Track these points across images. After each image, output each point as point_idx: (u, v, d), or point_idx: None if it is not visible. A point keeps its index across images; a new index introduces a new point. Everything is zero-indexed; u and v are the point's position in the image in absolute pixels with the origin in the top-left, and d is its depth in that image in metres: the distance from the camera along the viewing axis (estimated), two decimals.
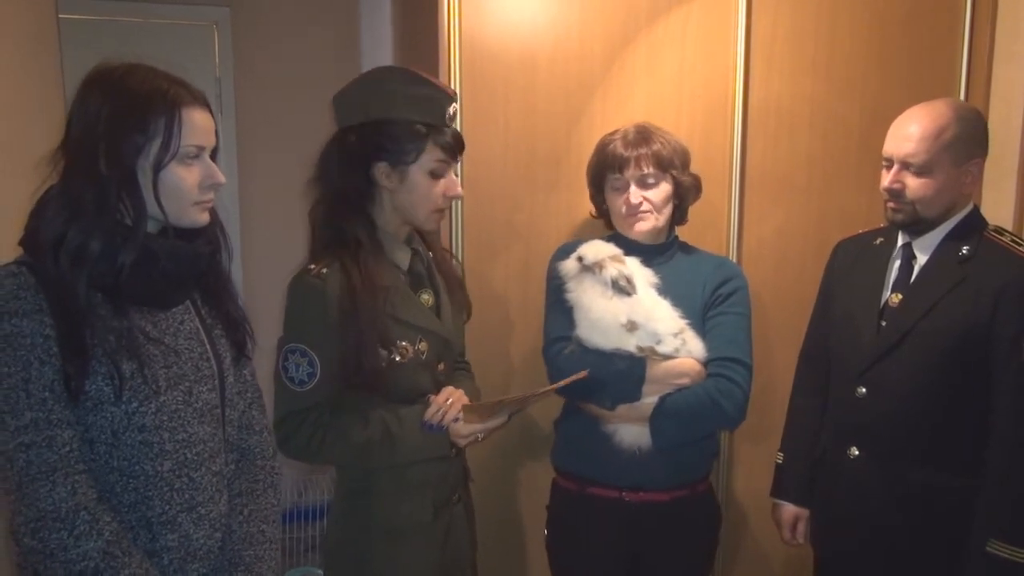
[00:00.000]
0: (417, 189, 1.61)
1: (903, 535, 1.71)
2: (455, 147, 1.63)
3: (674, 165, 1.80)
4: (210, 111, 1.28)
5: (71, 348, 1.15)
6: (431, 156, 1.60)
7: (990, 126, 1.75)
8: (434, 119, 1.60)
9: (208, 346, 1.34)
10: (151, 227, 1.25)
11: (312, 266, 1.57)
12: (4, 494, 1.17)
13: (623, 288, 1.70)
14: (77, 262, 1.17)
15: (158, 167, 1.21)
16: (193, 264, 1.29)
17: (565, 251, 1.87)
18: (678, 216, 1.88)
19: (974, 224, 1.72)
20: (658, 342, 1.71)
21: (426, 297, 1.68)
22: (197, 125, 1.24)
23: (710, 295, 1.81)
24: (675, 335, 1.73)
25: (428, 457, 1.62)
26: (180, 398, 1.26)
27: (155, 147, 1.20)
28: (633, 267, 1.75)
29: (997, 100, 2.29)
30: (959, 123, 1.65)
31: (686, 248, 1.92)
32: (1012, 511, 1.58)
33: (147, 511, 1.23)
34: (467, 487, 1.81)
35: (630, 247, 1.82)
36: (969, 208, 1.73)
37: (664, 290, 1.77)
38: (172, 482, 1.25)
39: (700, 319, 1.79)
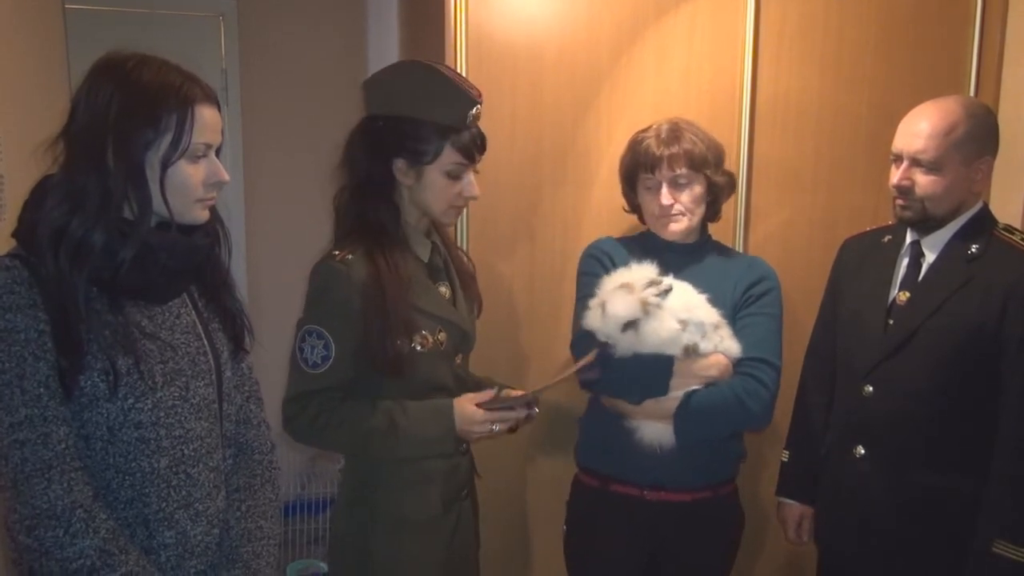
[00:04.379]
0: (433, 188, 1.61)
1: (908, 535, 1.70)
2: (473, 149, 1.62)
3: (708, 164, 1.77)
4: (219, 108, 1.26)
5: (66, 343, 1.13)
6: (448, 158, 1.59)
7: (1000, 124, 1.73)
8: (454, 121, 1.58)
9: (205, 340, 1.32)
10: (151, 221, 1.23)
11: (336, 252, 1.57)
12: None
13: (665, 292, 1.66)
14: (78, 256, 1.14)
15: (167, 163, 1.18)
16: (190, 257, 1.27)
17: (598, 248, 1.86)
18: (711, 214, 1.85)
19: (983, 222, 1.71)
20: (703, 335, 1.69)
21: (444, 289, 1.69)
22: (208, 123, 1.21)
23: (741, 295, 1.79)
24: (715, 328, 1.71)
25: (431, 454, 1.62)
26: (177, 394, 1.24)
27: (165, 143, 1.18)
28: (638, 272, 1.72)
29: (1007, 98, 2.27)
30: (970, 120, 1.64)
31: (719, 247, 1.90)
32: (1019, 512, 1.57)
33: (144, 508, 1.22)
34: (474, 484, 1.81)
35: (661, 247, 1.81)
36: (979, 206, 1.72)
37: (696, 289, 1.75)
38: (169, 479, 1.23)
39: (731, 318, 1.77)
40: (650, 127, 1.82)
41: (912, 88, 2.20)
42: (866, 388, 1.73)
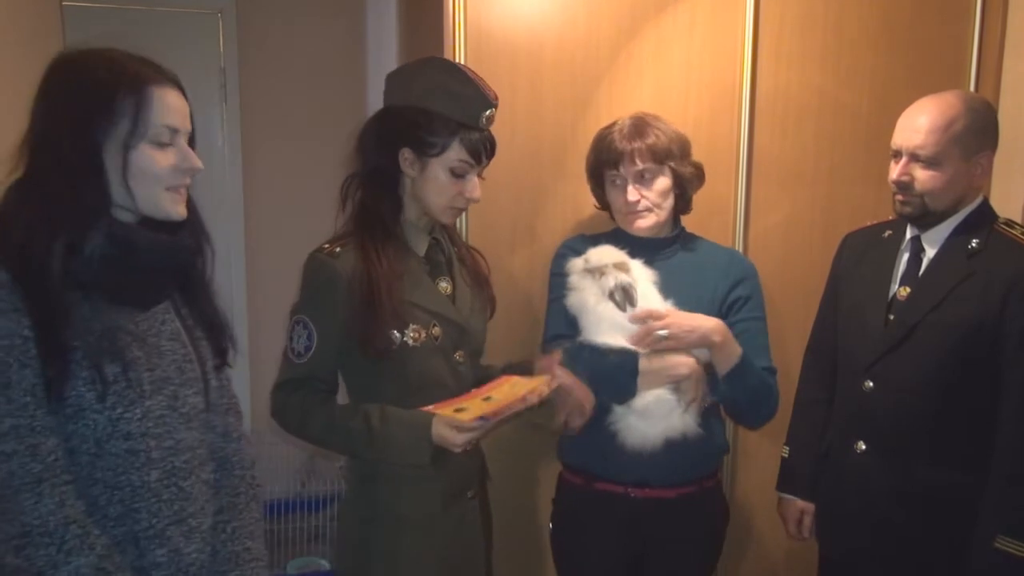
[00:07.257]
0: (435, 183, 1.61)
1: (908, 530, 1.70)
2: (482, 151, 1.63)
3: (672, 156, 1.77)
4: (183, 94, 1.20)
5: (50, 350, 1.07)
6: (455, 154, 1.60)
7: (1000, 118, 1.73)
8: (467, 119, 1.59)
9: (191, 348, 1.27)
10: (129, 218, 1.18)
11: (327, 244, 1.60)
12: None
13: (618, 302, 1.68)
14: (49, 256, 1.09)
15: (127, 148, 1.12)
16: (174, 256, 1.22)
17: (568, 247, 1.86)
18: (682, 206, 1.85)
19: (984, 217, 1.70)
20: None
21: (444, 285, 1.68)
22: (171, 105, 1.16)
23: (725, 295, 1.79)
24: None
25: (404, 462, 1.56)
26: (165, 403, 1.19)
27: (123, 128, 1.12)
28: (639, 273, 1.72)
29: (1007, 92, 2.27)
30: (969, 115, 1.64)
31: (692, 240, 1.89)
32: (1021, 508, 1.57)
33: (134, 525, 1.15)
34: (484, 485, 1.80)
35: (632, 243, 1.80)
36: (979, 201, 1.72)
37: (670, 287, 1.74)
38: (160, 493, 1.17)
39: (714, 312, 1.76)
40: (614, 123, 1.82)
41: (912, 83, 2.20)
42: (867, 383, 1.73)
